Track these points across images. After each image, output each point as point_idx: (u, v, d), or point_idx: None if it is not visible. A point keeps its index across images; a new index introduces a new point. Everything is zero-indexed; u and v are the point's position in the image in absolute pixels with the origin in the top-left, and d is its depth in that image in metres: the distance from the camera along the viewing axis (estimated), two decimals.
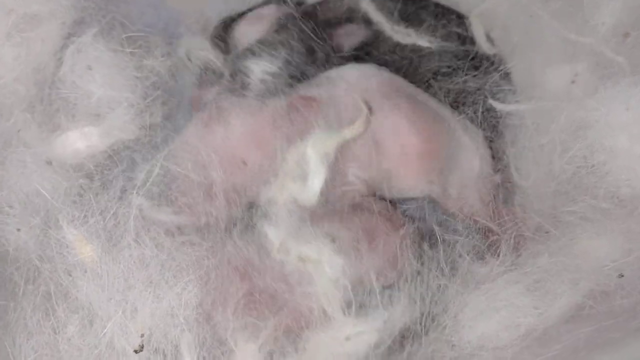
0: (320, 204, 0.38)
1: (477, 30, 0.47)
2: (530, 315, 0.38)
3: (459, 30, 0.47)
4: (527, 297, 0.39)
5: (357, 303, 0.37)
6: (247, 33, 0.45)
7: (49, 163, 0.39)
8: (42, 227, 0.39)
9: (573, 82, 0.43)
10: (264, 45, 0.43)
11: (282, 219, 0.38)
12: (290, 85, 0.42)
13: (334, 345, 0.37)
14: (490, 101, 0.43)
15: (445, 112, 0.43)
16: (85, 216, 0.39)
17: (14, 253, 0.39)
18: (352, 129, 0.39)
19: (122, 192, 0.39)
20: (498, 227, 0.42)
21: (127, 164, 0.41)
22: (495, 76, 0.44)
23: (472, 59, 0.45)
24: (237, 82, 0.43)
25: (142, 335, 0.36)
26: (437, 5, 0.48)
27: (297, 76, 0.42)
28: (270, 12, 0.45)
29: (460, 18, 0.47)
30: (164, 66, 0.44)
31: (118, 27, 0.44)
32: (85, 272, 0.38)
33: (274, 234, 0.37)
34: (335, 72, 0.42)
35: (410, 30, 0.45)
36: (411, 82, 0.44)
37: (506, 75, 0.45)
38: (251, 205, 0.39)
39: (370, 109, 0.39)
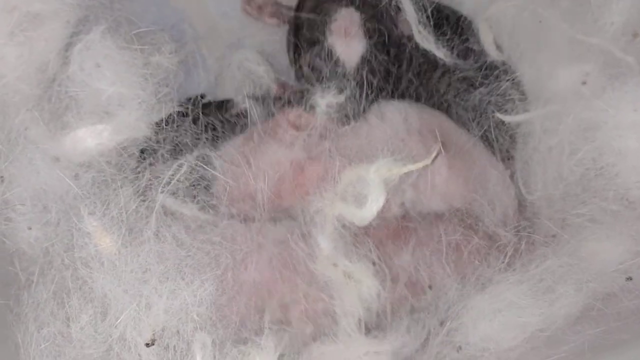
0: (371, 225, 0.40)
1: (486, 37, 0.48)
2: (534, 316, 0.39)
3: (475, 47, 0.48)
4: (531, 298, 0.40)
5: (379, 325, 0.41)
6: (348, 50, 0.46)
7: (57, 160, 0.40)
8: (58, 220, 0.40)
9: (584, 82, 0.43)
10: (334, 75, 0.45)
11: (330, 233, 0.40)
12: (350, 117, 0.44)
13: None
14: (498, 115, 0.44)
15: (476, 144, 0.46)
16: (107, 208, 0.40)
17: (27, 250, 0.40)
18: (421, 162, 0.40)
19: (146, 187, 0.41)
20: (511, 234, 0.43)
21: (153, 160, 0.42)
22: (505, 85, 0.45)
23: (485, 69, 0.47)
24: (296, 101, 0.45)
25: (154, 330, 0.37)
26: (453, 13, 0.49)
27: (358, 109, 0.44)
28: (353, 20, 0.46)
29: (469, 23, 0.48)
30: (172, 62, 0.45)
31: (125, 25, 0.44)
32: (103, 263, 0.39)
33: (325, 244, 0.40)
34: (391, 108, 0.45)
35: (431, 37, 0.46)
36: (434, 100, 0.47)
37: (516, 84, 0.46)
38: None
39: (442, 145, 0.42)
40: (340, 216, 0.40)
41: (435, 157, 0.40)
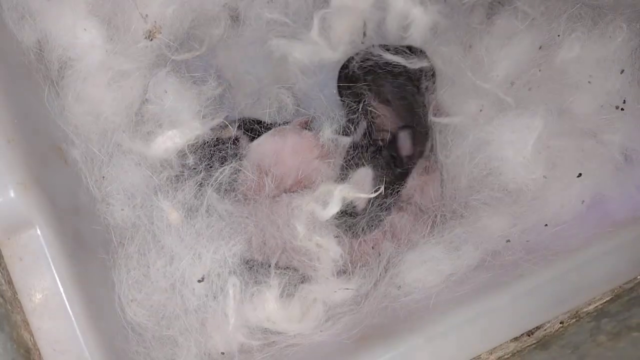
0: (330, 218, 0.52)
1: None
2: (447, 266, 0.50)
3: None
4: (445, 254, 0.50)
5: (347, 273, 0.52)
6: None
7: (139, 165, 0.49)
8: (142, 203, 0.48)
9: (481, 110, 0.55)
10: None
11: (304, 220, 0.51)
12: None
13: (329, 293, 0.51)
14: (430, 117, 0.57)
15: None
16: (175, 194, 0.49)
17: (121, 223, 0.49)
18: (367, 194, 0.53)
19: (201, 181, 0.50)
20: (430, 211, 0.56)
21: (207, 163, 0.51)
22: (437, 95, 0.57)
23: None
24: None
25: (203, 272, 0.46)
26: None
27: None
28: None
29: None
30: (213, 87, 0.54)
31: (183, 67, 0.55)
32: (171, 229, 0.47)
33: (301, 228, 0.51)
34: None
35: (400, 58, 0.58)
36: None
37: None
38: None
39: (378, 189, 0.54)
40: (311, 211, 0.51)
41: (376, 191, 0.54)
